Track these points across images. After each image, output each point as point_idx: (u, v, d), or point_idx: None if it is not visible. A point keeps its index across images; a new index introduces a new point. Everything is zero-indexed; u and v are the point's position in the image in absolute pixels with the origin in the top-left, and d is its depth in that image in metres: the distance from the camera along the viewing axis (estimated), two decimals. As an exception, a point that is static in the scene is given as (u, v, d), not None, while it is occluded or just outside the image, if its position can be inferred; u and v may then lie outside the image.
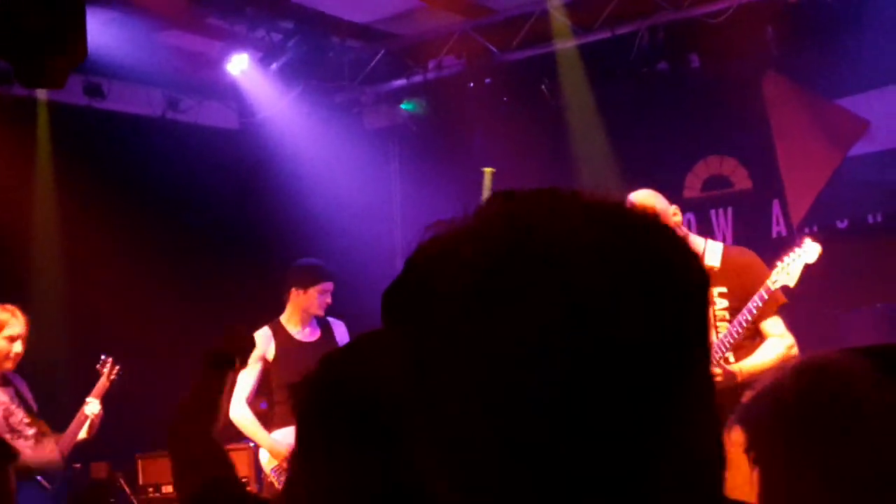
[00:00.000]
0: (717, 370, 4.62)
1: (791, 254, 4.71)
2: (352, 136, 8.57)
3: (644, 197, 4.87)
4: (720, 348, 4.67)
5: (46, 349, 6.30)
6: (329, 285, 5.95)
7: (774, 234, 7.28)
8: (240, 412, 5.84)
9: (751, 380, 4.66)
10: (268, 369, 5.91)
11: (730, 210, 7.51)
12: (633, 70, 7.38)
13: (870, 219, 6.93)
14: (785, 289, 4.63)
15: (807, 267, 4.66)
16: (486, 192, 8.54)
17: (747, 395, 1.51)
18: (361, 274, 8.12)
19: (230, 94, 8.35)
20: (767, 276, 4.74)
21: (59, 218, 7.46)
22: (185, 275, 7.77)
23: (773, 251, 5.23)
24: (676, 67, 7.37)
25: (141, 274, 7.56)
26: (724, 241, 5.31)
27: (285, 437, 5.58)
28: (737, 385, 4.64)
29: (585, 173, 7.99)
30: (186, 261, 7.85)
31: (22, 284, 6.88)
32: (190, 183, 8.03)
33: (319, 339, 5.97)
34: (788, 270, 4.67)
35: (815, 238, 6.78)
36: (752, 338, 4.72)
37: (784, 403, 1.40)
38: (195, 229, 8.04)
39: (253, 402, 5.95)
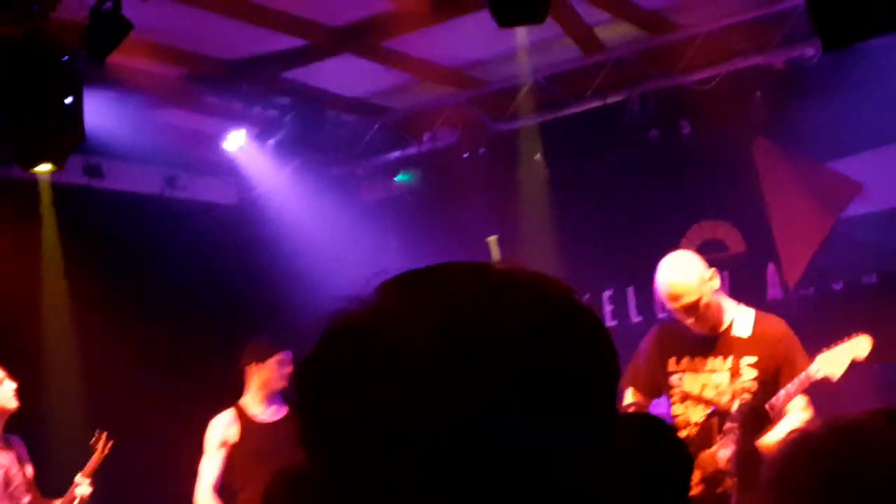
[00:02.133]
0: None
1: (841, 345, 4.64)
2: (349, 209, 8.63)
3: (682, 253, 4.89)
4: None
5: (52, 419, 6.30)
6: (287, 355, 5.81)
7: (770, 297, 7.29)
8: (205, 499, 5.76)
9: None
10: (231, 455, 5.79)
11: (725, 274, 7.51)
12: (625, 137, 7.47)
13: (864, 280, 6.96)
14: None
15: (857, 366, 4.61)
16: (495, 258, 8.60)
17: (776, 451, 1.52)
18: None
19: (228, 170, 8.43)
20: (797, 348, 4.70)
21: (66, 296, 7.49)
22: (186, 352, 7.78)
23: (768, 311, 5.24)
24: (667, 134, 7.46)
25: (145, 352, 7.58)
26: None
27: None
28: (759, 459, 4.63)
29: (579, 240, 8.05)
30: (188, 338, 7.86)
31: (32, 361, 6.92)
32: (190, 258, 8.06)
33: (286, 416, 5.77)
34: (835, 362, 4.59)
35: (812, 302, 6.82)
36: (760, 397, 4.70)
37: (813, 459, 1.42)
38: (196, 305, 8.06)
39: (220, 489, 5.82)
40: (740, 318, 4.80)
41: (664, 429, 2.78)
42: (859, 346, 4.60)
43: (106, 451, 5.91)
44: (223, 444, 5.74)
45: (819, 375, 4.57)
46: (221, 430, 5.79)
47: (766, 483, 1.48)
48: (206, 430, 5.87)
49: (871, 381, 5.06)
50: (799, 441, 1.48)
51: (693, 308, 4.66)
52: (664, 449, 2.63)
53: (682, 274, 4.70)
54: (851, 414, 1.58)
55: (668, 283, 4.71)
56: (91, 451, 5.93)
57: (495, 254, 8.55)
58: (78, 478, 5.80)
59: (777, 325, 4.81)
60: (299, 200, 8.39)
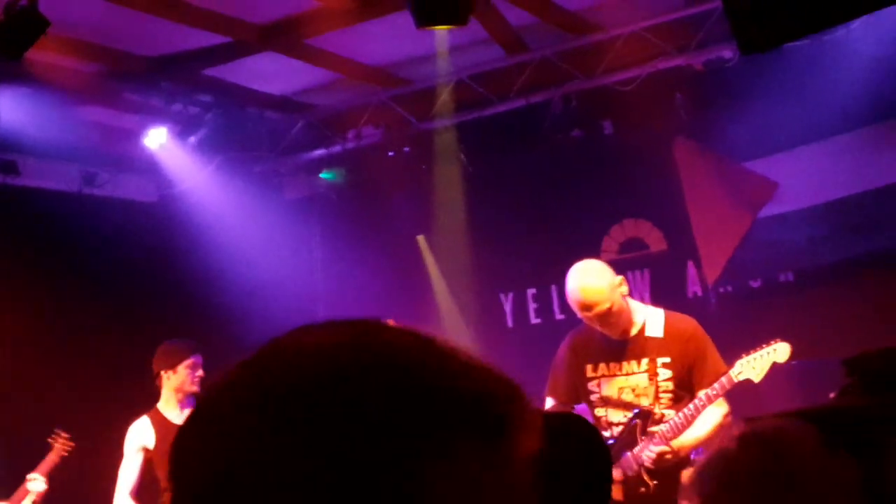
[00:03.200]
0: (664, 448, 4.66)
1: (760, 350, 4.73)
2: (272, 207, 8.57)
3: (590, 262, 4.93)
4: (673, 430, 4.68)
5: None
6: (198, 358, 5.84)
7: (690, 295, 7.43)
8: None
9: (686, 453, 4.75)
10: (150, 459, 5.80)
11: (647, 272, 7.66)
12: (548, 137, 7.52)
13: (781, 278, 7.12)
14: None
15: (775, 365, 4.71)
16: (427, 257, 8.63)
17: (697, 465, 1.55)
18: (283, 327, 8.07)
19: (148, 167, 8.30)
20: (708, 344, 4.79)
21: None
22: (104, 350, 7.66)
23: (689, 312, 5.33)
24: (590, 134, 7.55)
25: (61, 352, 7.44)
26: (641, 302, 5.36)
27: None
28: (681, 459, 4.71)
29: (503, 239, 8.10)
30: (106, 336, 7.73)
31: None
32: (108, 257, 7.94)
33: None
34: (755, 366, 4.68)
35: (731, 299, 6.96)
36: (681, 398, 4.78)
37: (734, 476, 1.45)
38: (115, 304, 7.93)
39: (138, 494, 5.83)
40: (651, 320, 4.87)
41: (581, 426, 2.81)
42: (778, 352, 4.71)
43: (64, 453, 5.91)
44: (140, 449, 5.74)
45: (740, 378, 4.67)
46: (138, 436, 5.80)
47: (692, 495, 1.51)
48: (126, 436, 5.87)
49: (789, 377, 5.16)
50: (717, 460, 1.51)
51: (606, 315, 4.73)
52: (580, 446, 2.66)
53: (593, 283, 4.75)
54: (767, 418, 1.61)
55: (580, 293, 4.76)
56: (48, 448, 5.95)
57: (425, 253, 8.59)
58: (31, 475, 5.80)
59: (687, 324, 4.88)
60: (221, 198, 8.30)
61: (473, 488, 0.76)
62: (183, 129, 7.91)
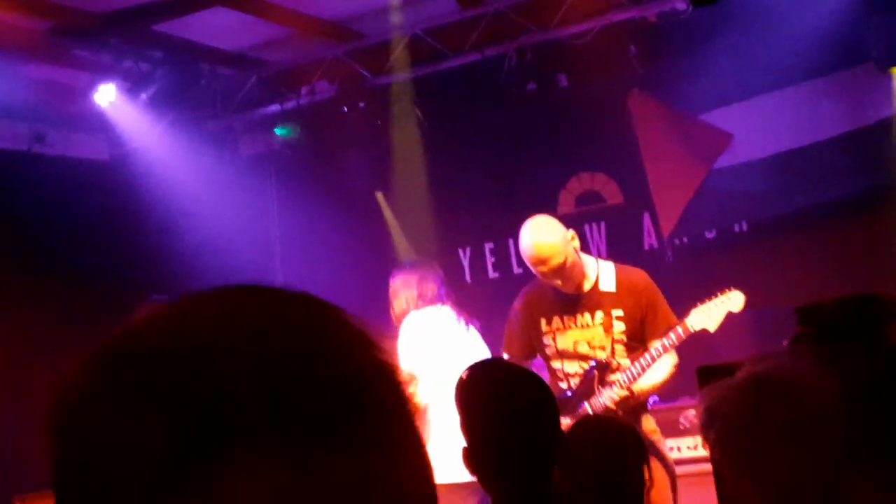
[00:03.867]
0: (625, 393, 4.72)
1: (714, 299, 4.78)
2: (226, 164, 8.49)
3: (542, 218, 4.94)
4: (630, 379, 4.74)
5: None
6: None
7: (646, 247, 7.48)
8: None
9: (645, 398, 4.83)
10: None
11: (603, 225, 7.69)
12: (503, 91, 7.50)
13: (736, 228, 7.19)
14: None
15: (730, 314, 4.75)
16: (386, 213, 8.60)
17: (698, 411, 1.58)
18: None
19: (98, 125, 8.18)
20: (658, 296, 4.84)
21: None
22: (56, 309, 7.58)
23: (645, 263, 5.38)
24: (545, 87, 7.52)
25: (10, 309, 7.35)
26: (598, 254, 5.40)
27: None
28: (636, 405, 4.78)
29: (461, 193, 8.10)
30: (58, 295, 7.65)
31: None
32: (59, 216, 7.83)
33: None
34: (710, 315, 4.74)
35: (686, 251, 7.02)
36: (635, 349, 4.84)
37: (739, 420, 1.48)
38: (66, 263, 7.83)
39: None
40: (604, 274, 4.91)
41: (523, 374, 2.84)
42: (732, 301, 4.77)
43: None
44: None
45: (695, 328, 4.72)
46: None
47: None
48: None
49: (742, 326, 5.22)
50: (723, 404, 1.53)
51: (559, 270, 4.75)
52: (525, 394, 2.68)
53: (546, 238, 4.77)
54: (774, 357, 1.63)
55: (534, 248, 4.77)
56: None
57: (384, 209, 8.57)
58: None
59: (639, 277, 4.93)
60: (174, 156, 8.21)
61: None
62: (133, 85, 7.78)
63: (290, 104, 8.27)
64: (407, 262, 6.17)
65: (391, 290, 5.52)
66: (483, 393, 2.69)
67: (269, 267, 8.73)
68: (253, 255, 8.41)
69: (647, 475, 2.96)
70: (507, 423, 2.62)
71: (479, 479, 2.61)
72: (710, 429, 1.53)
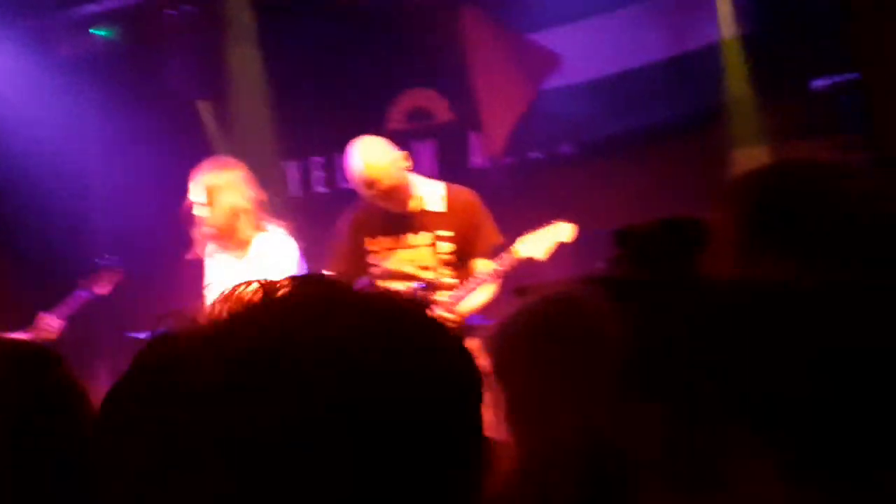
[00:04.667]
0: (451, 315, 4.74)
1: (544, 228, 4.81)
2: (40, 66, 8.03)
3: (370, 139, 4.87)
4: (455, 300, 4.76)
5: None
6: None
7: (474, 166, 7.51)
8: None
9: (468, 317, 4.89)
10: None
11: (432, 142, 7.67)
12: (332, 4, 7.33)
13: (562, 150, 7.28)
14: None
15: (560, 245, 4.78)
16: (209, 124, 8.30)
17: (495, 325, 1.59)
18: (53, 213, 7.73)
19: None
20: (486, 217, 4.87)
21: None
22: None
23: (472, 182, 5.40)
24: (374, 0, 7.39)
25: None
26: (427, 173, 5.39)
27: None
28: (461, 326, 4.83)
29: (288, 105, 7.93)
30: None
31: None
32: None
33: None
34: (539, 244, 4.76)
35: (513, 171, 7.07)
36: (461, 269, 4.87)
37: (535, 330, 1.50)
38: None
39: None
40: (433, 193, 4.92)
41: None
42: (561, 232, 4.83)
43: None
44: None
45: (523, 255, 4.77)
46: None
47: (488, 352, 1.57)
48: None
49: (567, 248, 5.31)
50: (518, 317, 1.55)
51: (388, 193, 4.74)
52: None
53: (375, 160, 4.74)
54: (558, 284, 1.65)
55: (363, 171, 4.73)
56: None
57: (207, 120, 8.30)
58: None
59: (467, 197, 4.97)
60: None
61: None
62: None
63: (109, 3, 7.87)
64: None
65: (208, 190, 5.18)
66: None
67: (84, 172, 8.37)
68: (69, 165, 8.03)
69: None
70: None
71: None
72: (493, 340, 1.57)
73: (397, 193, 4.76)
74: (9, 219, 7.41)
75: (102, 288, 6.09)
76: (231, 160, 5.36)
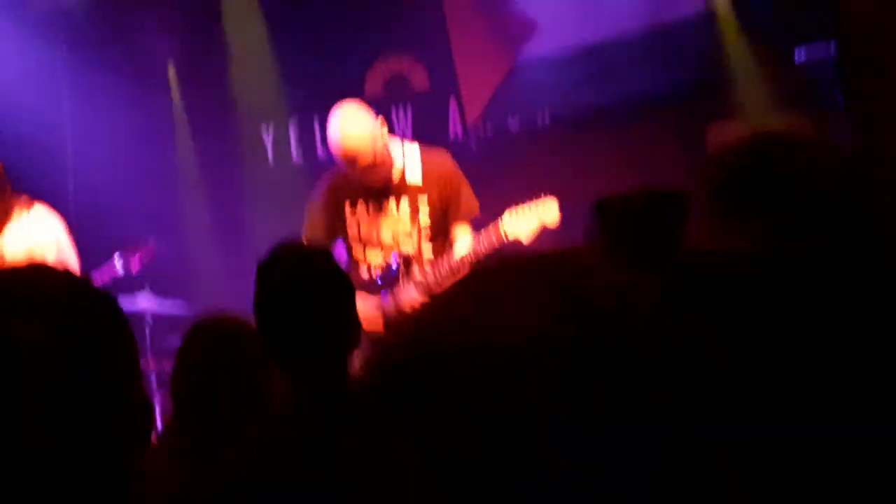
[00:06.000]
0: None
1: (529, 205, 4.70)
2: (12, 20, 7.89)
3: (351, 110, 4.80)
4: (436, 278, 4.67)
5: None
6: None
7: (451, 135, 7.45)
8: None
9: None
10: None
11: (409, 108, 7.61)
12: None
13: (539, 120, 7.23)
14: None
15: (543, 227, 4.69)
16: (174, 87, 8.19)
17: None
18: (27, 170, 7.60)
19: None
20: (462, 181, 4.82)
21: None
22: None
23: (450, 149, 5.35)
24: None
25: None
26: (403, 138, 5.34)
27: None
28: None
29: (264, 68, 7.85)
30: None
31: None
32: None
33: None
34: (524, 224, 4.65)
35: (490, 141, 7.02)
36: (438, 237, 4.84)
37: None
38: None
39: None
40: (409, 159, 4.87)
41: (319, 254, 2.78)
42: (546, 210, 4.72)
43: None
44: None
45: (510, 237, 4.67)
46: None
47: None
48: None
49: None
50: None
51: (369, 168, 4.69)
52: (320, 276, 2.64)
53: (355, 132, 4.66)
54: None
55: (343, 145, 4.67)
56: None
57: (173, 83, 8.20)
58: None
59: (443, 161, 4.92)
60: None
61: None
62: None
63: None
64: None
65: None
66: (280, 274, 2.62)
67: (58, 131, 8.26)
68: (40, 120, 7.92)
69: None
70: (302, 306, 2.55)
71: (277, 364, 2.55)
72: None
73: (378, 167, 4.71)
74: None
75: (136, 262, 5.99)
76: None
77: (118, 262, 5.88)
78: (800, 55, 5.75)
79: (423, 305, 0.86)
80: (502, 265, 0.85)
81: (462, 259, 4.70)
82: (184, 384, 2.86)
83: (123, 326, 1.33)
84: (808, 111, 5.58)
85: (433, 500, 0.77)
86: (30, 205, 5.13)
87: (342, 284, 2.68)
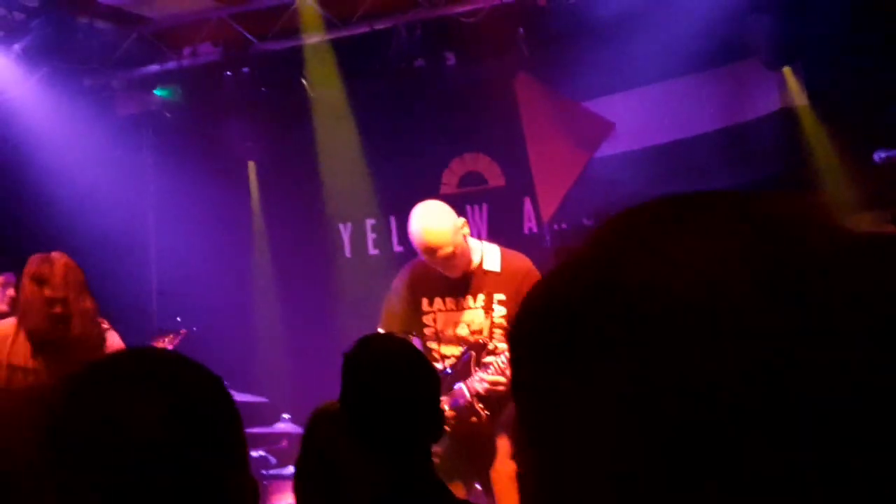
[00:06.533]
0: (500, 378, 4.71)
1: None
2: (102, 123, 8.21)
3: (434, 205, 4.89)
4: (508, 363, 4.68)
5: None
6: (9, 277, 5.57)
7: (526, 231, 7.53)
8: None
9: None
10: None
11: (484, 206, 7.71)
12: (391, 66, 7.43)
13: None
14: None
15: None
16: (252, 184, 8.43)
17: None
18: (112, 268, 7.82)
19: (-33, 74, 7.81)
20: None
21: None
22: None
23: (524, 247, 5.40)
24: (433, 65, 7.48)
25: None
26: (478, 236, 5.39)
27: None
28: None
29: (343, 167, 8.01)
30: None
31: None
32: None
33: None
34: None
35: (566, 237, 7.06)
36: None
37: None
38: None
39: None
40: (489, 256, 4.91)
41: (408, 348, 2.82)
42: None
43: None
44: None
45: None
46: None
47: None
48: None
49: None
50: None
51: (449, 259, 4.75)
52: (410, 369, 2.68)
53: (437, 226, 4.74)
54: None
55: (424, 238, 4.75)
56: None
57: (252, 180, 8.42)
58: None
59: (522, 262, 4.94)
60: (47, 111, 7.89)
61: None
62: (6, 35, 7.46)
63: (170, 64, 8.05)
64: None
65: None
66: (368, 366, 2.66)
67: (140, 229, 8.50)
68: (126, 218, 8.17)
69: None
70: (390, 396, 2.59)
71: (362, 454, 2.58)
72: None
73: (457, 260, 4.77)
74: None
75: (166, 346, 6.23)
76: None
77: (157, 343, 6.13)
78: (879, 154, 5.74)
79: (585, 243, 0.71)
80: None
81: None
82: (311, 468, 2.87)
83: (231, 408, 1.35)
84: (886, 210, 5.54)
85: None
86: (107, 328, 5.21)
87: (430, 375, 2.72)
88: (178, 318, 6.46)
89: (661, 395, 0.62)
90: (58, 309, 4.68)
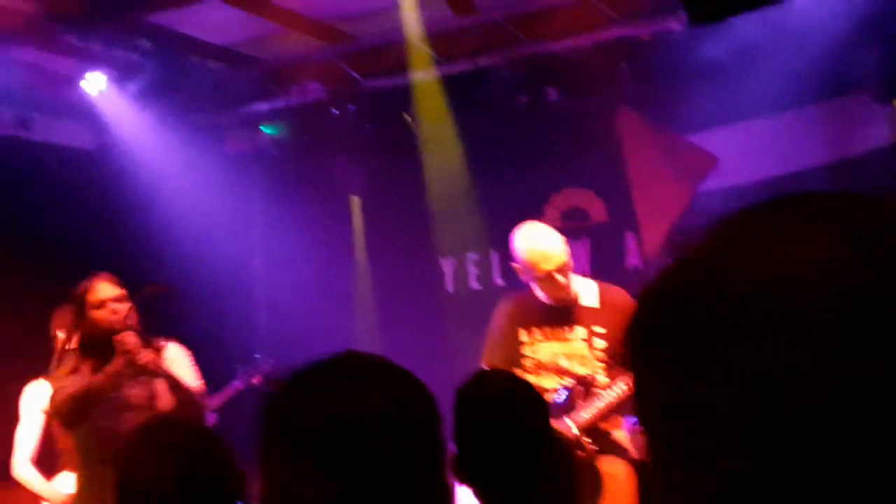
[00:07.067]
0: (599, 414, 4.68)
1: None
2: (212, 160, 8.43)
3: (540, 226, 4.91)
4: (614, 399, 4.66)
5: None
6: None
7: (630, 266, 7.46)
8: (25, 471, 5.57)
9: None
10: (49, 422, 5.57)
11: (587, 241, 7.67)
12: (493, 102, 7.48)
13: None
14: None
15: None
16: (356, 218, 8.55)
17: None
18: (221, 302, 8.00)
19: (86, 114, 8.10)
20: None
21: None
22: (36, 301, 7.48)
23: (628, 283, 5.35)
24: (535, 100, 7.50)
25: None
26: (581, 272, 5.36)
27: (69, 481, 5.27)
28: (615, 422, 4.75)
29: (445, 204, 8.06)
30: (38, 284, 7.55)
31: None
32: (43, 204, 7.74)
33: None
34: None
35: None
36: (614, 368, 4.80)
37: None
38: (48, 252, 7.75)
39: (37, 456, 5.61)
40: (586, 290, 4.88)
41: (521, 383, 2.81)
42: None
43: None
44: (41, 410, 5.51)
45: None
46: (38, 396, 5.56)
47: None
48: (22, 397, 5.69)
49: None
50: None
51: (560, 270, 4.71)
52: (524, 404, 2.66)
53: (547, 236, 4.76)
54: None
55: (536, 247, 4.74)
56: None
57: (356, 215, 8.53)
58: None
59: (622, 297, 4.89)
60: (160, 149, 8.14)
61: None
62: (122, 75, 7.73)
63: (278, 103, 8.23)
64: None
65: None
66: (481, 402, 2.65)
67: (249, 264, 8.67)
68: (235, 252, 8.35)
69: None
70: (504, 433, 2.57)
71: (473, 490, 2.56)
72: None
73: (564, 276, 4.73)
74: (180, 307, 7.70)
75: (256, 379, 6.49)
76: None
77: (240, 377, 6.46)
78: None
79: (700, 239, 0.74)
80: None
81: (617, 398, 4.65)
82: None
83: (436, 410, 1.46)
84: None
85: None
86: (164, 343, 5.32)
87: (543, 409, 2.70)
88: (257, 355, 6.72)
89: (746, 387, 0.64)
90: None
